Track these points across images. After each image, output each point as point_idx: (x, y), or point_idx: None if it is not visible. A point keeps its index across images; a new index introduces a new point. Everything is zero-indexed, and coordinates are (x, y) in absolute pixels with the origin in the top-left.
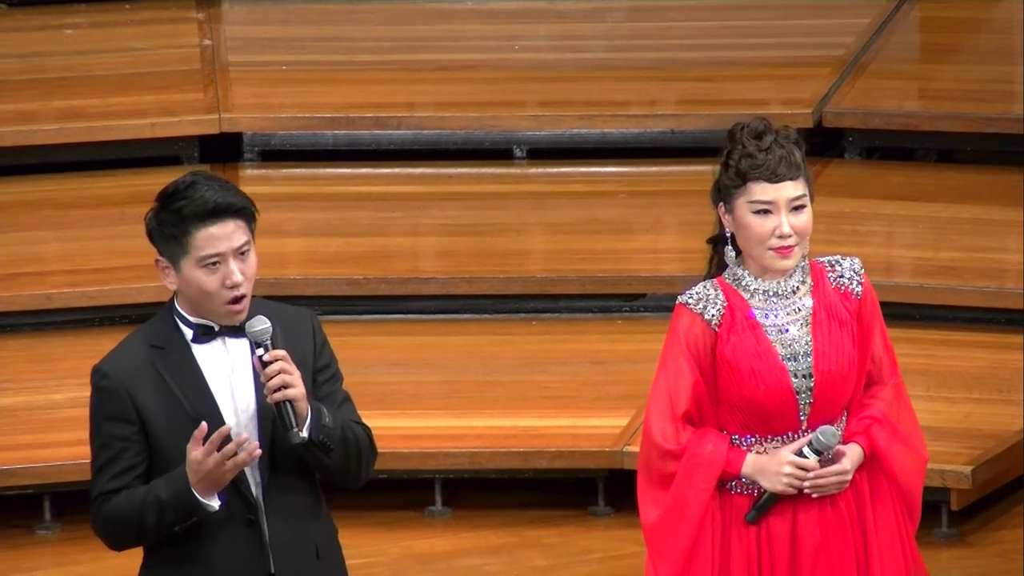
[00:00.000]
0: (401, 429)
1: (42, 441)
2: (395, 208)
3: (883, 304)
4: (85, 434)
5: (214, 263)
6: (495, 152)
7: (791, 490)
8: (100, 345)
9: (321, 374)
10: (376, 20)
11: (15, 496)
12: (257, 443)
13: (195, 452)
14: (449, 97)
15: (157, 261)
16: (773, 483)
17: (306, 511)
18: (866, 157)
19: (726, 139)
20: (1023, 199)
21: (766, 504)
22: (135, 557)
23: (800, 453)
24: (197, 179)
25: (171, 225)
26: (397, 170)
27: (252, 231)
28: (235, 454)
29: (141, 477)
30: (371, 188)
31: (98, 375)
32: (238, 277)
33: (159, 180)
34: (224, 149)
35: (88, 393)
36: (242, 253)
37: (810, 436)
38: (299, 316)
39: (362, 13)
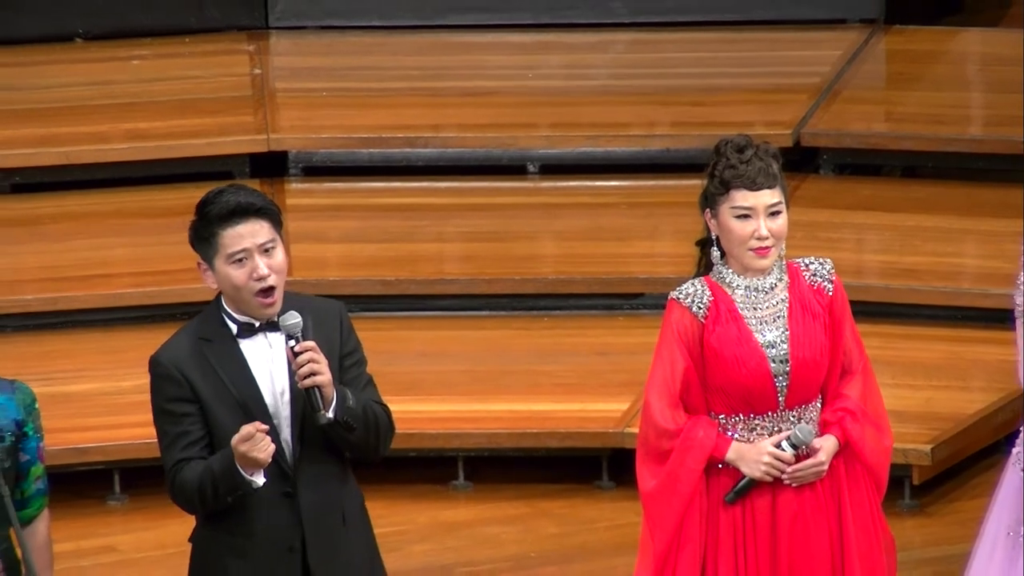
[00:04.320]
0: (428, 412)
1: (111, 423)
2: (422, 217)
3: (853, 303)
4: (150, 416)
5: (241, 259)
6: (511, 168)
7: (768, 478)
8: (162, 338)
9: (348, 359)
10: (406, 51)
11: (88, 471)
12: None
13: (233, 442)
14: (471, 119)
15: (199, 265)
16: (752, 470)
17: (333, 480)
18: (839, 172)
19: (712, 152)
20: (976, 210)
21: (744, 489)
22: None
23: (779, 446)
24: (224, 188)
25: (203, 228)
26: (424, 184)
27: (278, 232)
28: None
29: (206, 449)
30: (401, 200)
31: (155, 364)
32: (264, 270)
33: None
34: (272, 166)
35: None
36: (267, 249)
37: (788, 432)
38: (329, 307)
39: (393, 45)
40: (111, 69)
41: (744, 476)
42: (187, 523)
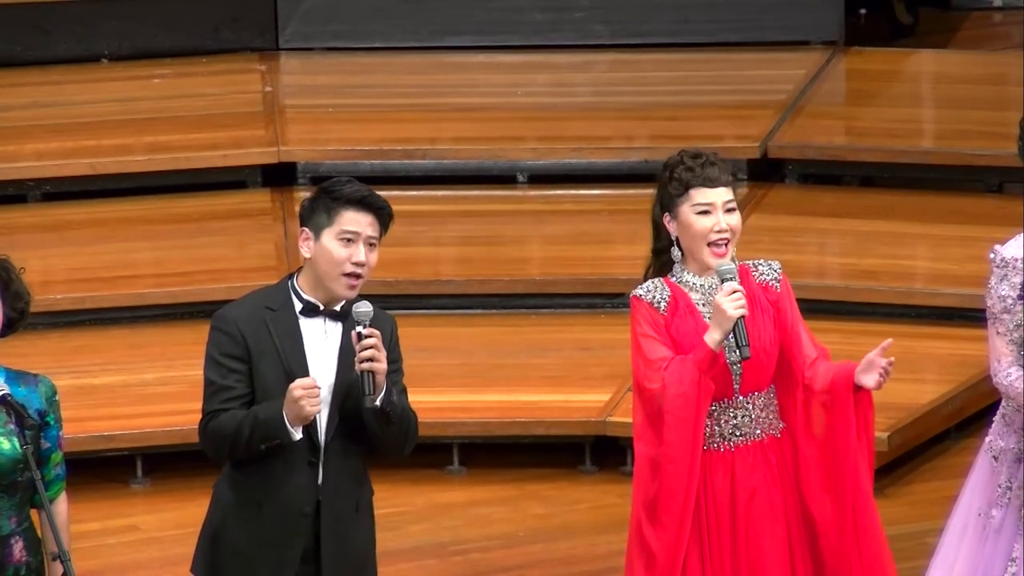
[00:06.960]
0: (425, 402)
1: (135, 412)
2: (421, 223)
3: (815, 301)
4: (170, 406)
5: (350, 239)
6: (502, 178)
7: (742, 310)
8: (183, 335)
9: (391, 366)
10: (405, 70)
11: (113, 456)
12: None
13: (291, 386)
14: (465, 133)
15: (301, 232)
16: (729, 318)
17: (353, 470)
18: (802, 182)
19: (662, 168)
20: (927, 217)
21: (737, 332)
22: None
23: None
24: (352, 180)
25: (328, 202)
26: (422, 192)
27: (381, 235)
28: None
29: (245, 407)
30: (401, 207)
31: (219, 320)
32: (362, 257)
33: (230, 200)
34: (281, 176)
35: (177, 374)
36: (371, 244)
37: (718, 275)
38: (385, 318)
39: (394, 65)
40: (134, 87)
41: (734, 328)
42: (204, 505)
